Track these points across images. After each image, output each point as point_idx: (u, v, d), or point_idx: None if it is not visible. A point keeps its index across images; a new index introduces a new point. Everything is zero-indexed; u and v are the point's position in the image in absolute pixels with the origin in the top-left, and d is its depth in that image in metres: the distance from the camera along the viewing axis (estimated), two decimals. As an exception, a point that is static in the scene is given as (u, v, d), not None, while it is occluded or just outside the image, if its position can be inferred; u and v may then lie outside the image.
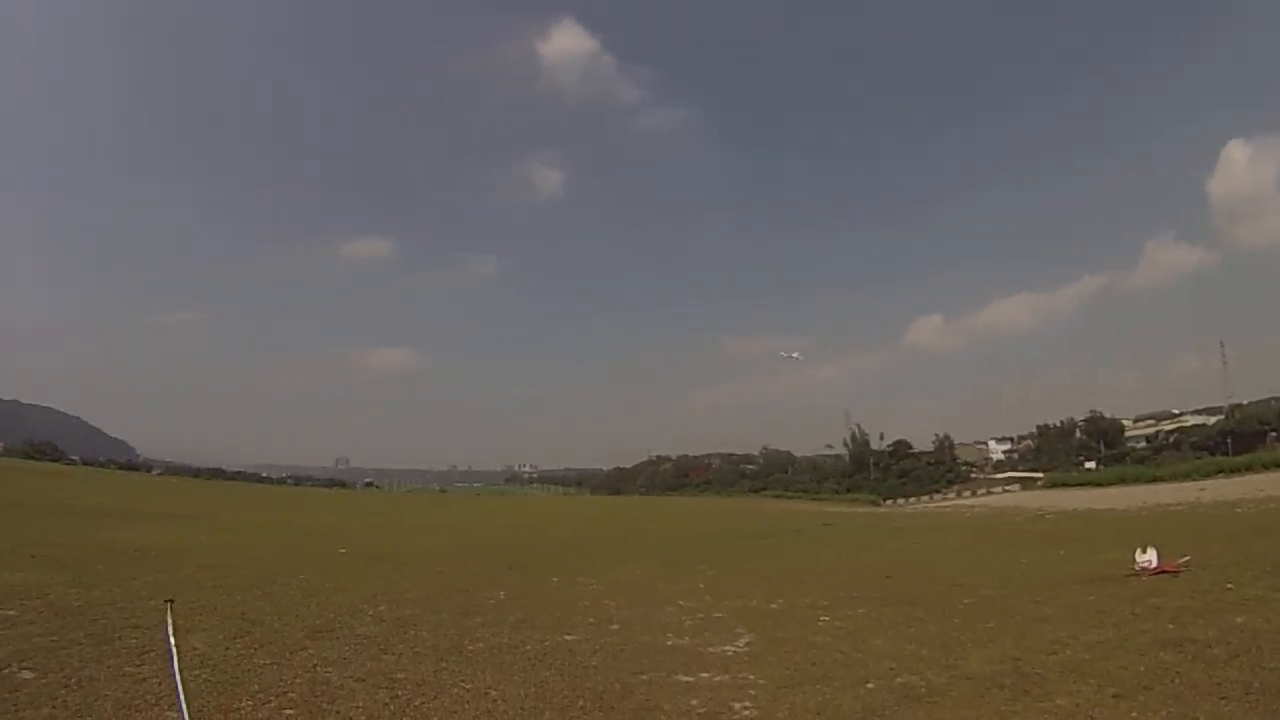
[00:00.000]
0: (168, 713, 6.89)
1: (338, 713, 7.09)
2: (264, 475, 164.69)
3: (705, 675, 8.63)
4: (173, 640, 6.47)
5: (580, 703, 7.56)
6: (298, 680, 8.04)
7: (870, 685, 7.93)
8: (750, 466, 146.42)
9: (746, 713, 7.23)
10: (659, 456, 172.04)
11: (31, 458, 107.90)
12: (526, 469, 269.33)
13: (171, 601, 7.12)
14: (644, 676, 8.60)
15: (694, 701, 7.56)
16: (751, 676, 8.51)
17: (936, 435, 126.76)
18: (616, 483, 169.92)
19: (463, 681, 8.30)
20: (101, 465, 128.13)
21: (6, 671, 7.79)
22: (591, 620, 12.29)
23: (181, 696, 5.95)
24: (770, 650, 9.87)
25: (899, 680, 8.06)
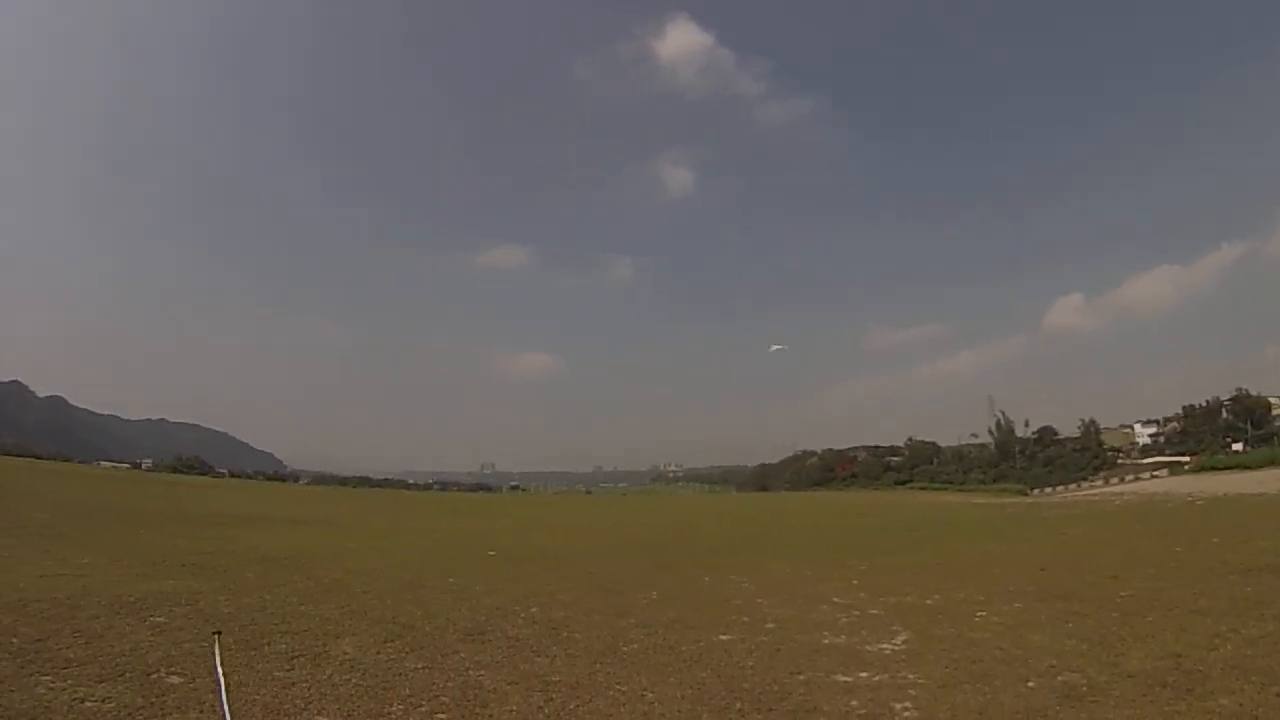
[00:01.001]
0: (317, 717, 7.81)
1: (491, 716, 8.07)
2: (410, 482, 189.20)
3: (864, 675, 9.84)
4: (221, 672, 6.71)
5: (738, 704, 8.62)
6: (450, 684, 9.23)
7: (1031, 684, 9.04)
8: (895, 459, 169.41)
9: (907, 714, 8.18)
10: (804, 451, 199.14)
11: (179, 472, 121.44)
12: (672, 468, 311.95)
13: (219, 633, 7.40)
14: (801, 677, 9.83)
15: (854, 702, 8.62)
16: (911, 675, 9.68)
17: (1081, 420, 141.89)
18: (762, 479, 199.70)
19: (618, 683, 9.54)
20: (249, 477, 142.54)
21: (155, 676, 8.95)
22: (746, 619, 14.05)
23: None
24: (928, 648, 11.25)
25: (1060, 678, 9.20)
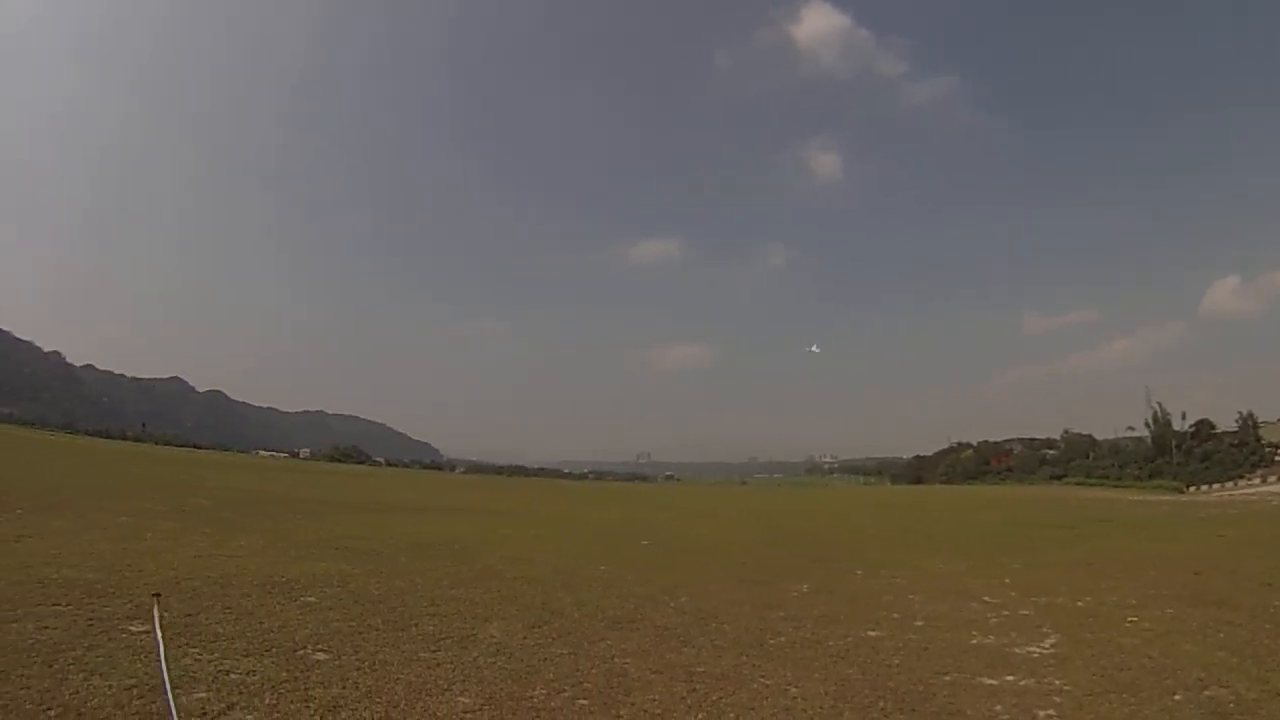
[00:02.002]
0: (459, 698, 8.21)
1: (633, 704, 8.53)
2: (565, 472, 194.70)
3: (1010, 678, 10.18)
4: (160, 635, 6.88)
5: (881, 704, 8.95)
6: (594, 670, 9.80)
7: (1177, 697, 9.23)
8: (1051, 451, 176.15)
9: None
10: (959, 443, 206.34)
11: (337, 461, 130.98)
12: (826, 459, 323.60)
13: (158, 595, 7.57)
14: (947, 677, 10.18)
15: (997, 707, 8.92)
16: (1057, 682, 9.98)
17: (1239, 413, 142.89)
18: (917, 471, 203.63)
19: (762, 676, 9.98)
20: (406, 466, 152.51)
21: (301, 652, 9.69)
22: (895, 615, 14.61)
23: (170, 696, 6.69)
24: (1076, 652, 11.56)
25: (1207, 693, 9.34)
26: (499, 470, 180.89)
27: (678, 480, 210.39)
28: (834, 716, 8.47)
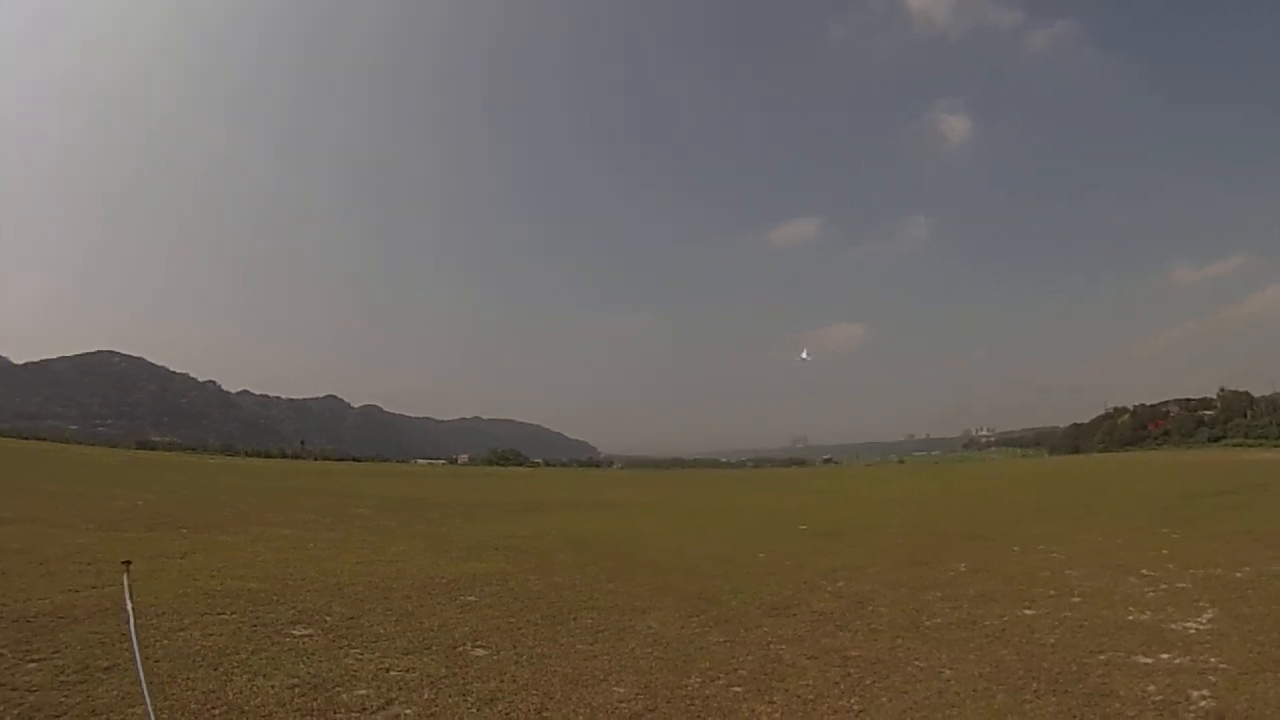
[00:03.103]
0: (615, 688, 8.21)
1: (786, 690, 8.48)
2: (723, 460, 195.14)
3: (1165, 656, 9.99)
4: (130, 605, 6.89)
5: (1034, 684, 8.87)
6: (749, 657, 9.81)
7: None
8: (1208, 412, 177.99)
9: (1204, 702, 8.18)
10: (1116, 409, 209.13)
11: (495, 464, 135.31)
12: (983, 433, 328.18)
13: (128, 563, 7.38)
14: (1101, 656, 10.07)
15: (1150, 687, 8.70)
16: (1213, 660, 9.73)
17: None
18: (1074, 440, 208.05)
19: (916, 659, 9.90)
20: (563, 465, 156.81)
21: (460, 649, 9.88)
22: (1052, 593, 14.54)
23: (141, 671, 6.50)
24: (1234, 628, 11.23)
25: None
26: (656, 464, 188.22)
27: (835, 463, 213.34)
28: (986, 699, 8.36)
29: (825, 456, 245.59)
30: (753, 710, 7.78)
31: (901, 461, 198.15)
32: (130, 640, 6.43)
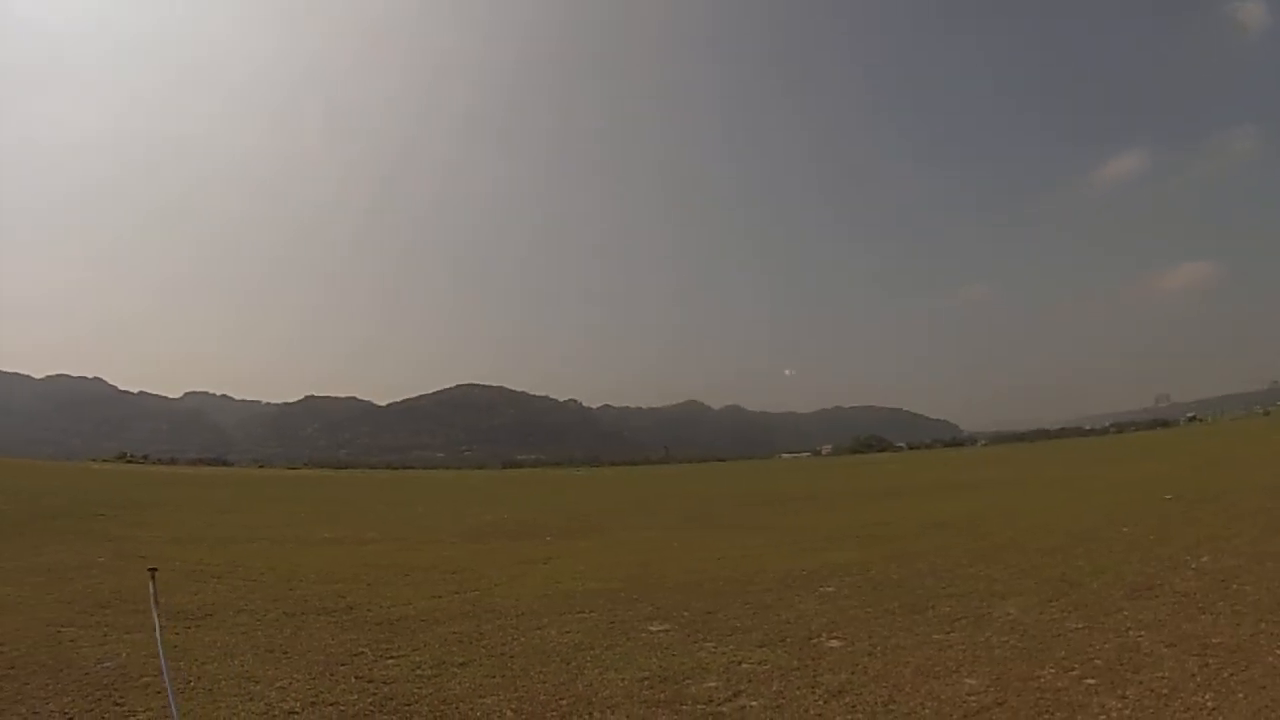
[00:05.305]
0: (966, 679, 7.80)
1: (1140, 683, 7.74)
2: (1086, 428, 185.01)
3: None
4: (156, 613, 7.00)
5: None
6: (1106, 645, 9.11)
7: None
8: None
9: None
10: None
11: (857, 452, 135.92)
12: None
13: (155, 570, 7.03)
14: None
15: None
16: None
17: None
18: None
19: (1278, 648, 8.74)
20: (926, 447, 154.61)
21: (814, 641, 9.79)
22: None
23: (166, 674, 6.45)
24: None
25: None
26: (1019, 437, 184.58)
27: (1200, 421, 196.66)
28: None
29: (1189, 415, 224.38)
30: (1103, 705, 7.22)
31: (1266, 413, 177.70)
32: (156, 644, 6.63)
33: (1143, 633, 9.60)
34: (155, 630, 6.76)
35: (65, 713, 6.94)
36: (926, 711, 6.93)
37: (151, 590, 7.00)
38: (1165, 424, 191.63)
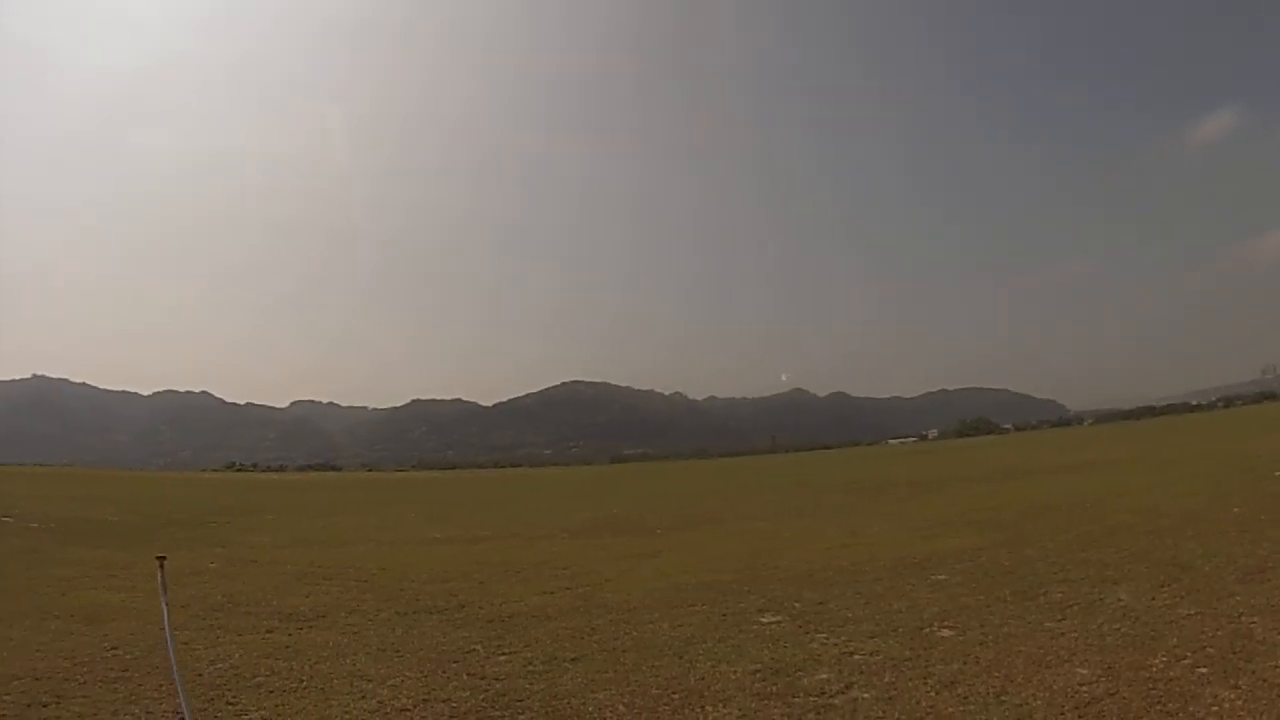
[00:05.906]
0: (1078, 669, 7.74)
1: (1253, 672, 7.48)
2: (1193, 404, 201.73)
3: None
4: (165, 601, 6.81)
5: None
6: (1219, 632, 8.83)
7: None
8: None
9: None
10: None
11: (964, 435, 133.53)
12: None
13: (163, 558, 6.94)
14: None
15: None
16: None
17: None
18: None
19: None
20: (1033, 428, 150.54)
21: (926, 630, 9.82)
22: None
23: (175, 668, 6.59)
24: None
25: None
26: (1126, 415, 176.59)
27: None
28: None
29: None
30: (1216, 695, 7.01)
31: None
32: (165, 636, 6.73)
33: (1255, 619, 9.31)
34: (164, 619, 6.79)
35: (178, 712, 7.06)
36: (1038, 703, 6.92)
37: (159, 579, 7.01)
38: (1273, 396, 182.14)
